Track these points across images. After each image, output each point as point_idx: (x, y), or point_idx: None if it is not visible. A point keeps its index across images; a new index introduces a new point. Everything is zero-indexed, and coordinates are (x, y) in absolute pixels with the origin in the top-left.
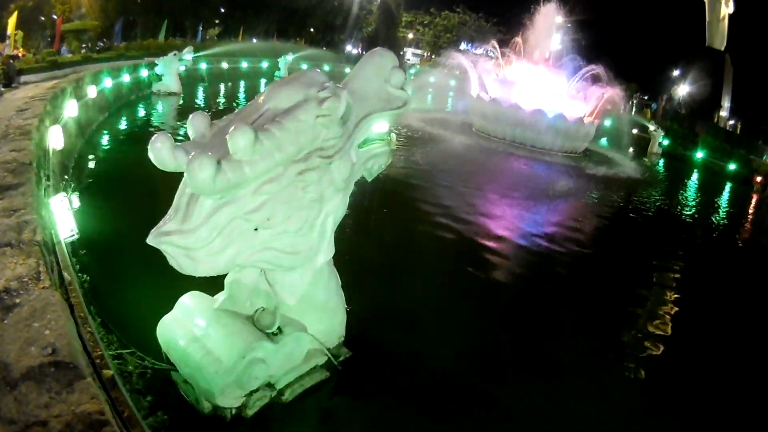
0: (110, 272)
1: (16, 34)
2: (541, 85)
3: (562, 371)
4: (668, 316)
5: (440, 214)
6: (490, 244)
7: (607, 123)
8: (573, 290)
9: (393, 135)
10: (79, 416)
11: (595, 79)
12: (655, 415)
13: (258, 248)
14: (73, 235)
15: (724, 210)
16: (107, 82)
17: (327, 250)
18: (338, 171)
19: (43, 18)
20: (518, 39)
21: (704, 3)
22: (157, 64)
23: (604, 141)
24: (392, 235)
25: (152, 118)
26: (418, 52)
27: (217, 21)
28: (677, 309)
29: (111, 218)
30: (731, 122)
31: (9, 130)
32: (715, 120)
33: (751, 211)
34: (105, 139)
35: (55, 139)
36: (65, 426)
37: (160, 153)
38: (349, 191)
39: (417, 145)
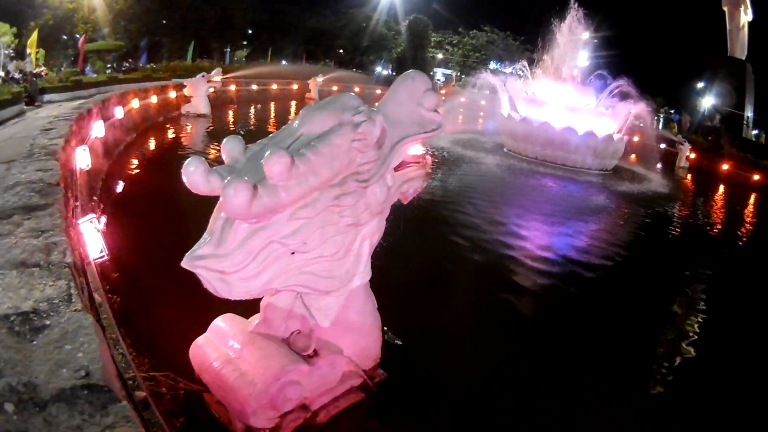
0: (141, 294)
1: (37, 52)
2: (570, 103)
3: (598, 395)
4: (702, 336)
5: (472, 234)
6: (522, 263)
7: (636, 139)
8: (606, 310)
9: (428, 157)
10: None
11: (623, 95)
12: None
13: (294, 272)
14: (102, 256)
15: (750, 222)
16: (134, 103)
17: (363, 273)
18: (374, 195)
19: (65, 37)
20: (546, 57)
21: (724, 12)
22: (185, 86)
23: (633, 157)
24: (426, 256)
25: (181, 140)
26: (448, 72)
27: (245, 42)
28: (711, 327)
29: (141, 239)
30: (755, 132)
31: (34, 149)
32: (741, 130)
33: None
34: (133, 160)
35: (81, 159)
36: None
37: (194, 177)
38: (385, 215)
39: (448, 166)
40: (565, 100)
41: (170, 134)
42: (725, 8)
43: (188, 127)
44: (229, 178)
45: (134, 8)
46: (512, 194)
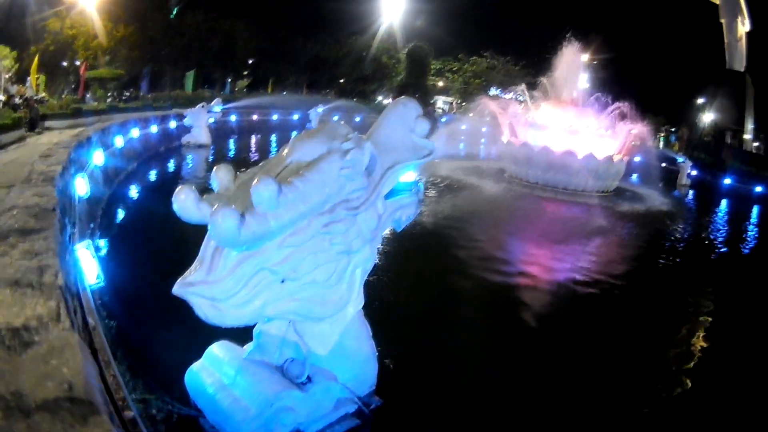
0: (137, 319)
1: (38, 78)
2: (570, 126)
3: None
4: (706, 355)
5: (473, 259)
6: (524, 288)
7: (637, 159)
8: (611, 331)
9: (421, 185)
10: None
11: (623, 116)
12: None
13: (285, 300)
14: (98, 282)
15: (752, 235)
16: (135, 132)
17: (357, 300)
18: (365, 222)
19: (65, 63)
20: (545, 81)
21: (722, 25)
22: (185, 116)
23: (634, 177)
24: (425, 281)
25: (181, 170)
26: (449, 99)
27: (246, 72)
28: (715, 346)
29: (139, 266)
30: (756, 144)
31: (32, 175)
32: (741, 143)
33: None
34: (133, 189)
35: (80, 186)
36: None
37: (184, 204)
38: (377, 242)
39: (451, 193)
40: (565, 124)
41: (171, 164)
42: (723, 21)
43: (189, 157)
44: (217, 205)
45: (136, 36)
46: (514, 219)
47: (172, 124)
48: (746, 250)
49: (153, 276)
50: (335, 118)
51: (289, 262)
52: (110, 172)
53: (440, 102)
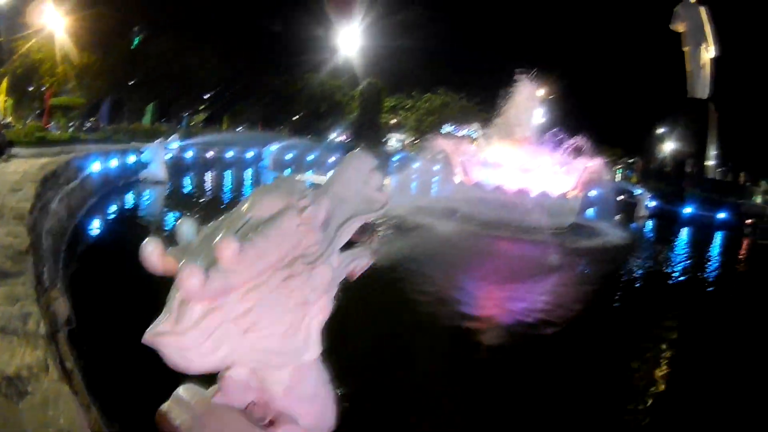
0: (108, 360)
1: (6, 101)
2: (524, 164)
3: None
4: (668, 393)
5: (430, 301)
6: (479, 328)
7: (593, 194)
8: (567, 369)
9: (375, 236)
10: None
11: (579, 151)
12: None
13: (247, 350)
14: (71, 324)
15: (715, 262)
16: (96, 167)
17: (314, 348)
18: (321, 276)
19: (31, 89)
20: (499, 119)
21: (683, 53)
22: (143, 151)
23: (591, 212)
24: (380, 324)
25: (139, 206)
26: (402, 136)
27: (202, 107)
28: (678, 383)
29: (107, 305)
30: (720, 170)
31: (3, 210)
32: (702, 171)
33: (743, 256)
34: (95, 225)
35: (48, 222)
36: None
37: (150, 258)
38: (333, 293)
39: (404, 233)
40: (519, 162)
41: (129, 200)
42: (686, 49)
43: (146, 193)
44: (183, 262)
45: (99, 64)
46: (468, 259)
47: (131, 159)
48: (705, 279)
49: (122, 314)
50: (289, 156)
51: (251, 315)
52: (73, 206)
53: (393, 139)
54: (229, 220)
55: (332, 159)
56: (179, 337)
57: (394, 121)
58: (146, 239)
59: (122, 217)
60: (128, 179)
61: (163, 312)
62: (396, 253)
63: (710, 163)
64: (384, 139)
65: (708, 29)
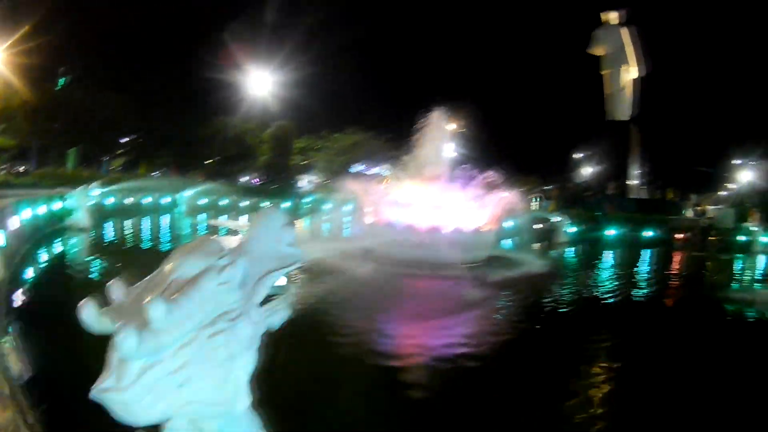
0: (64, 409)
1: None
2: (435, 202)
3: None
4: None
5: (348, 344)
6: (403, 365)
7: (509, 225)
8: (493, 404)
9: (292, 288)
10: None
11: (492, 184)
12: None
13: (184, 402)
14: (24, 375)
15: (647, 277)
16: (26, 213)
17: (244, 398)
18: (243, 331)
19: None
20: (410, 156)
21: (602, 77)
22: (68, 198)
23: (508, 243)
24: (306, 371)
25: (68, 254)
26: (313, 178)
27: (120, 151)
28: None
29: (57, 354)
30: (644, 188)
31: None
32: (625, 192)
33: (677, 267)
34: (29, 273)
35: None
36: None
37: (88, 320)
38: (256, 345)
39: (318, 277)
40: (430, 199)
41: (58, 247)
42: (605, 72)
43: (73, 240)
44: (118, 324)
45: (28, 105)
46: (385, 300)
47: (58, 205)
48: (634, 295)
49: (68, 363)
50: (203, 201)
51: (184, 370)
52: (7, 254)
53: (304, 181)
54: (154, 282)
55: (245, 203)
56: (122, 393)
57: (305, 162)
58: (82, 301)
59: (55, 267)
60: (55, 226)
61: (105, 369)
62: (311, 299)
63: (633, 183)
64: (295, 181)
65: (630, 50)
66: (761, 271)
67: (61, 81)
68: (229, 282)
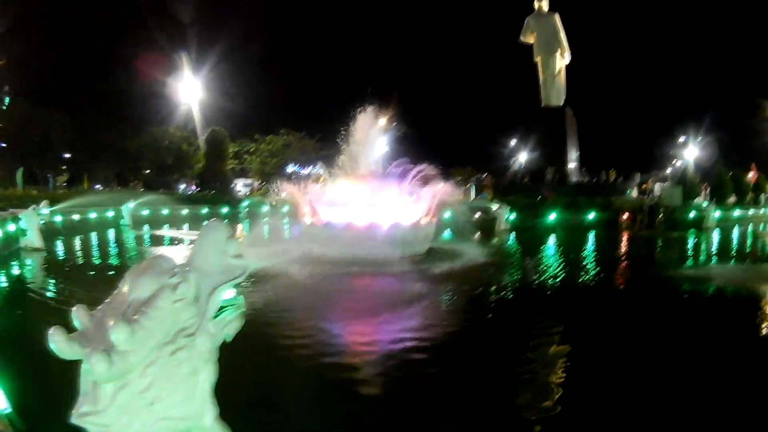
0: None
1: None
2: (371, 199)
3: None
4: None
5: (298, 345)
6: (353, 365)
7: (447, 215)
8: (448, 395)
9: (241, 299)
10: None
11: (427, 178)
12: None
13: (156, 420)
14: (6, 408)
15: (597, 258)
16: None
17: (210, 410)
18: (202, 345)
19: None
20: (342, 156)
21: (536, 64)
22: (20, 218)
23: (448, 235)
24: (262, 375)
25: (26, 276)
26: (248, 181)
27: (63, 167)
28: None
29: (33, 384)
30: (584, 170)
31: None
32: (565, 177)
33: (625, 248)
34: None
35: None
36: None
37: (58, 346)
38: (215, 356)
39: (261, 282)
40: (366, 197)
41: (16, 269)
42: (537, 59)
43: (29, 262)
44: (88, 349)
45: None
46: (330, 300)
47: (12, 227)
48: (574, 282)
49: (42, 394)
50: (145, 212)
51: (153, 388)
52: None
53: (240, 185)
54: (114, 305)
55: (185, 212)
56: (100, 415)
57: (240, 166)
58: (51, 330)
59: (18, 290)
60: (11, 247)
61: (80, 394)
62: (257, 304)
63: (572, 167)
64: (232, 186)
65: (563, 36)
66: (714, 247)
67: (7, 100)
68: (184, 299)
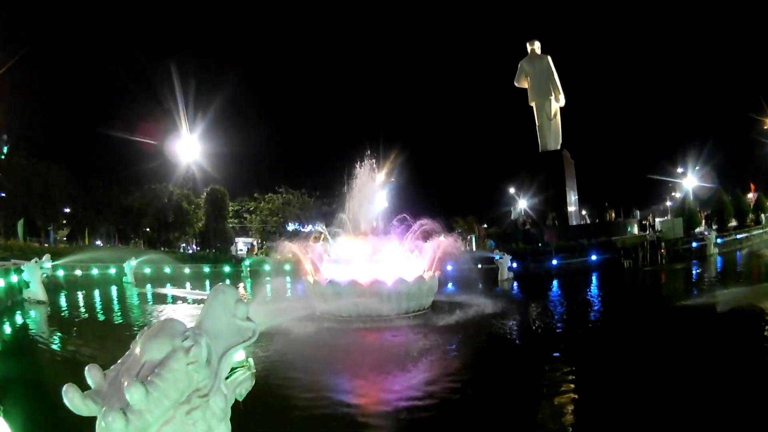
0: None
1: None
2: (374, 255)
3: None
4: None
5: (303, 402)
6: (366, 418)
7: (450, 267)
8: None
9: (251, 360)
10: None
11: (429, 231)
12: None
13: None
14: None
15: (600, 297)
16: None
17: None
18: (216, 404)
19: None
20: (343, 214)
21: (531, 108)
22: (23, 270)
23: (451, 287)
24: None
25: (30, 328)
26: (249, 240)
27: (64, 221)
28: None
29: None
30: (585, 213)
31: None
32: (566, 219)
33: (629, 285)
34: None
35: None
36: None
37: (73, 403)
38: (228, 415)
39: (265, 341)
40: (368, 253)
41: (20, 320)
42: (533, 104)
43: (32, 313)
44: (105, 408)
45: None
46: (338, 356)
47: (14, 278)
48: (584, 323)
49: None
50: (147, 270)
51: None
52: None
53: (241, 244)
54: (127, 365)
55: (186, 270)
56: None
57: (241, 225)
58: (65, 386)
59: (17, 339)
60: (14, 298)
61: None
62: (264, 362)
63: (572, 209)
64: (232, 245)
65: (556, 78)
66: (717, 274)
67: (5, 149)
68: (197, 361)
